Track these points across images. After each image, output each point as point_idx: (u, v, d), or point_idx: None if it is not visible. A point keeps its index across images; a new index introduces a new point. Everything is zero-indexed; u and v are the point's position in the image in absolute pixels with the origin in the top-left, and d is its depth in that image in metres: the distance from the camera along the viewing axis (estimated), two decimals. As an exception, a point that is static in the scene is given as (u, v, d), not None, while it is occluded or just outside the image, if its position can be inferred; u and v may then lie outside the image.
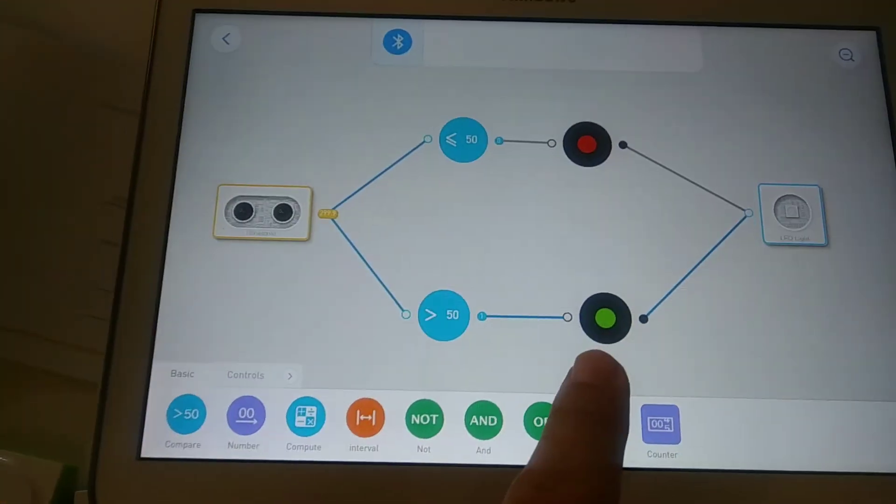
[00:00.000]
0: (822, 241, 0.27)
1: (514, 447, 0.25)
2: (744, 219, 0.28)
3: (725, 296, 0.27)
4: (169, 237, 0.27)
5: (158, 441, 0.25)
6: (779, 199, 0.28)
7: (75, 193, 0.32)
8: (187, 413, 0.25)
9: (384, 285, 0.27)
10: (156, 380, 0.26)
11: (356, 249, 0.27)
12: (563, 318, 0.27)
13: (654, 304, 0.27)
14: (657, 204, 0.28)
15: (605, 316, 0.27)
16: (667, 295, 0.27)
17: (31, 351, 0.30)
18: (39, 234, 0.31)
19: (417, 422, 0.25)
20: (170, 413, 0.25)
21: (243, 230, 0.27)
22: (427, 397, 0.26)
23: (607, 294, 0.27)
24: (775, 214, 0.28)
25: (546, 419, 0.25)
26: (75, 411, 0.29)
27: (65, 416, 0.30)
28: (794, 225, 0.28)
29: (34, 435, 0.30)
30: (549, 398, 0.25)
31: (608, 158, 0.29)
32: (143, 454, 0.25)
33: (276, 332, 0.26)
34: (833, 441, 0.25)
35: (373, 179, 0.28)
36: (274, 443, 0.25)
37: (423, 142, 0.29)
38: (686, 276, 0.27)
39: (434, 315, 0.26)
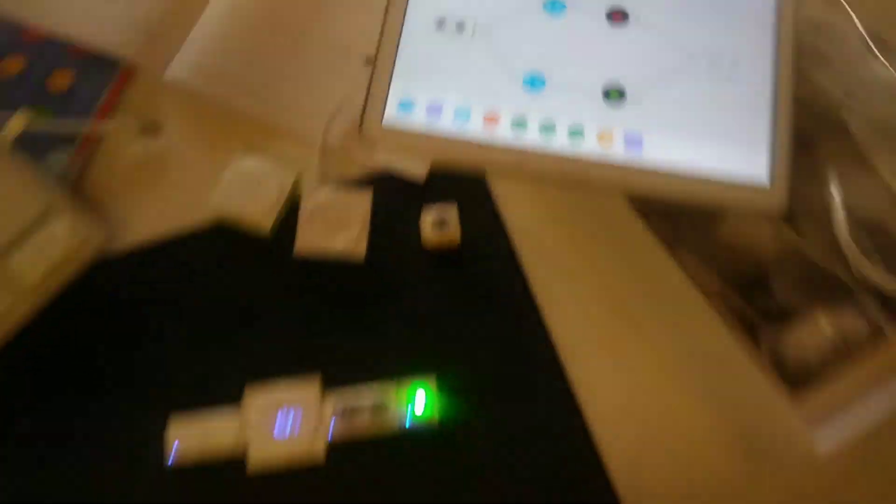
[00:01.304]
0: None
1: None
2: None
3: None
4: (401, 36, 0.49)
5: (391, 117, 0.45)
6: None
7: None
8: (407, 108, 0.46)
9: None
10: (392, 92, 0.46)
11: None
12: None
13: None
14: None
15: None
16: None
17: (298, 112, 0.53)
18: (315, 51, 0.55)
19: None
20: (398, 106, 0.46)
21: (442, 38, 0.49)
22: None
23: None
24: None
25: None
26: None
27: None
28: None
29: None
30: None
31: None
32: (384, 124, 0.45)
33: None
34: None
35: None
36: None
37: None
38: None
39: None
